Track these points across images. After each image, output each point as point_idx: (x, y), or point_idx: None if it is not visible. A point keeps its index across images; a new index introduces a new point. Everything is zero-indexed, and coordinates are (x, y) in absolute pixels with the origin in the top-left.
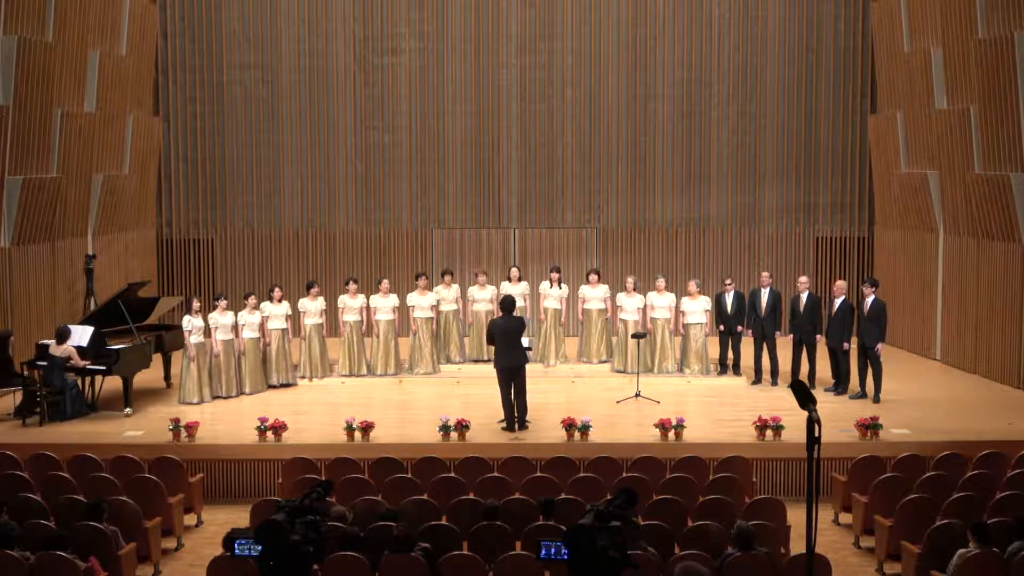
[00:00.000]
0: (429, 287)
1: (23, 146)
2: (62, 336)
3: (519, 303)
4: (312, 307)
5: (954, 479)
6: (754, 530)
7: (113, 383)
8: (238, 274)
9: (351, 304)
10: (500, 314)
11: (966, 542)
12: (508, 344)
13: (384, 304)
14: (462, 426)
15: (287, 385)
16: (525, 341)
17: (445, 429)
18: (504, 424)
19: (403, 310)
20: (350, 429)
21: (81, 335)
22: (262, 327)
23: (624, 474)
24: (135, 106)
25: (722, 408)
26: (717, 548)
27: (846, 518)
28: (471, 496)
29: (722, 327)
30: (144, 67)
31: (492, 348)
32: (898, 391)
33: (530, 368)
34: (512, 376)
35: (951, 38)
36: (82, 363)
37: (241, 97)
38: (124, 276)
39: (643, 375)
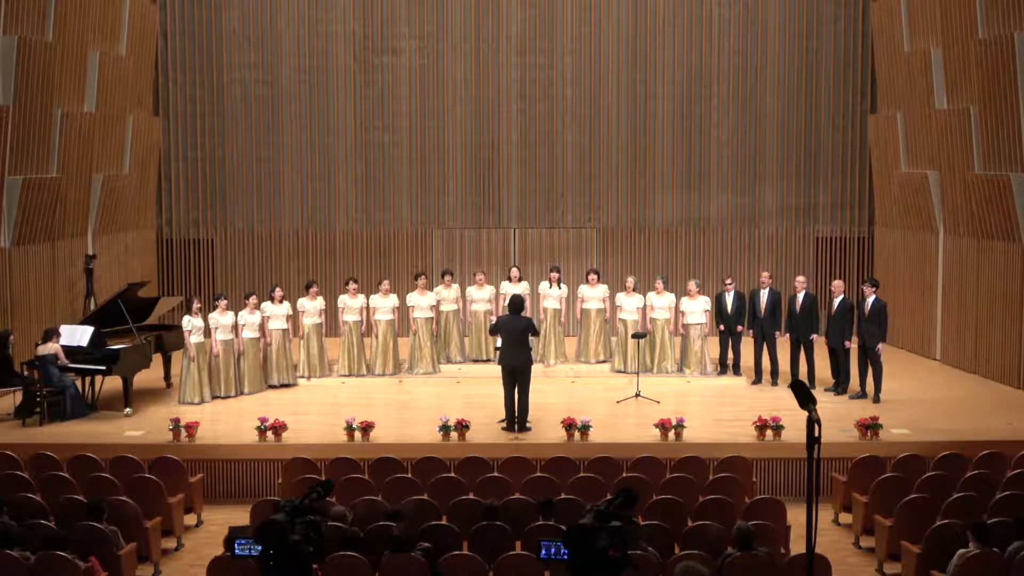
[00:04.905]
0: (429, 287)
1: (23, 146)
2: (47, 336)
3: None
4: (311, 307)
5: (954, 479)
6: (754, 530)
7: (113, 383)
8: (238, 274)
9: (351, 304)
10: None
11: (966, 542)
12: (513, 343)
13: (384, 304)
14: (462, 426)
15: (287, 385)
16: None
17: (445, 429)
18: (504, 424)
19: (403, 310)
20: (350, 429)
21: (81, 335)
22: (262, 327)
23: (624, 474)
24: (135, 106)
25: (722, 408)
26: (717, 548)
27: (846, 518)
28: (471, 496)
29: (722, 327)
30: (144, 67)
31: (494, 348)
32: (898, 391)
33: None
34: (515, 375)
35: (951, 38)
36: (66, 362)
37: (241, 97)
38: (124, 276)
39: (643, 375)
